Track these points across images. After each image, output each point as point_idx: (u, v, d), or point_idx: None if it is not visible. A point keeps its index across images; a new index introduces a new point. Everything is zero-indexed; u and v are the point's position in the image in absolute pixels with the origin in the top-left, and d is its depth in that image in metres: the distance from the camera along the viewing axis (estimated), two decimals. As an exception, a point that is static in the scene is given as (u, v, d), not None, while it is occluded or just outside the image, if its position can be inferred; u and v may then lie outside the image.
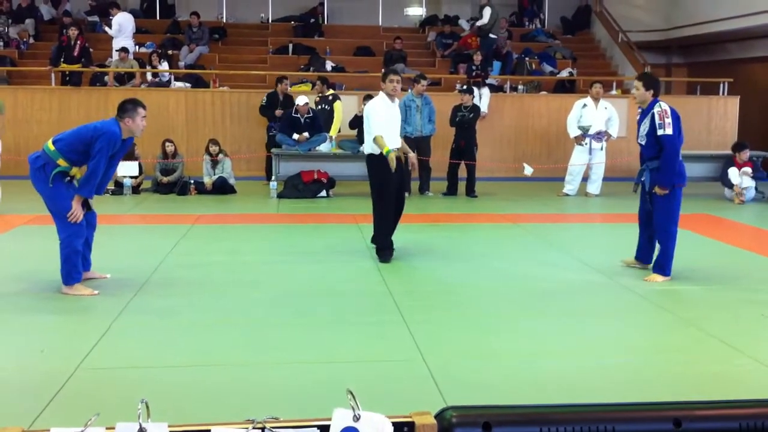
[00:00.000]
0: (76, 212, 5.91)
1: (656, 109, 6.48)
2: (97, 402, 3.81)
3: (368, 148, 7.36)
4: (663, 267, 6.63)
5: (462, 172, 12.14)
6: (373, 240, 7.52)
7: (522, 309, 5.79)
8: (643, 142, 6.61)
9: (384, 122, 7.24)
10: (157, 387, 4.07)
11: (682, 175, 6.57)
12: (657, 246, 6.76)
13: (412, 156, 7.69)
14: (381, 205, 7.40)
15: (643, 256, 7.02)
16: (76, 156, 5.86)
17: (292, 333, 5.09)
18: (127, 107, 5.92)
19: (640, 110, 6.80)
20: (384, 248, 7.36)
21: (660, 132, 6.42)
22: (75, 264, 5.99)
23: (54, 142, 5.88)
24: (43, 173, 5.86)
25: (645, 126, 6.56)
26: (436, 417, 1.68)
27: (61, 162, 5.84)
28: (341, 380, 4.14)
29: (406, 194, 11.72)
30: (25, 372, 4.27)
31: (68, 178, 5.93)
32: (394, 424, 1.63)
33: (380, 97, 7.42)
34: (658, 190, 6.53)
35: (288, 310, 5.66)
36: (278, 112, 12.89)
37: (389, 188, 7.30)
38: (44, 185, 5.89)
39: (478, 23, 15.59)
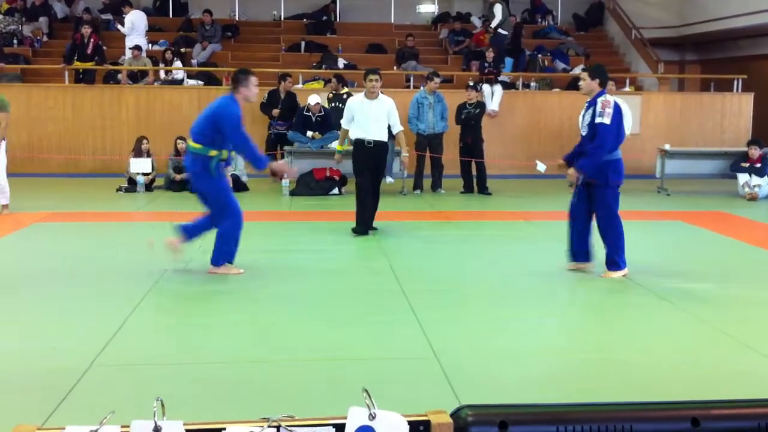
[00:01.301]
0: (292, 172, 7.14)
1: (599, 99, 6.37)
2: (112, 399, 3.82)
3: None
4: (616, 262, 6.54)
5: (473, 169, 12.12)
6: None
7: (536, 307, 5.78)
8: (584, 132, 6.51)
9: (350, 118, 8.41)
10: (172, 384, 4.08)
11: (619, 172, 6.47)
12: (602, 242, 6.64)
13: (405, 156, 8.97)
14: (357, 190, 8.46)
15: (578, 254, 6.78)
16: (213, 140, 6.31)
17: (305, 331, 5.09)
18: (240, 77, 6.45)
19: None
20: (358, 224, 8.37)
21: (598, 120, 6.29)
22: (231, 249, 6.53)
23: (194, 139, 6.34)
24: (204, 172, 6.32)
25: (588, 116, 6.45)
26: (451, 416, 1.67)
27: (212, 152, 6.28)
28: (355, 378, 4.14)
29: (418, 192, 11.81)
30: (40, 369, 4.29)
31: (224, 163, 6.44)
32: (409, 422, 1.62)
33: (359, 95, 8.57)
34: (570, 173, 6.49)
35: (301, 308, 5.66)
36: (275, 112, 12.91)
37: (361, 176, 8.38)
38: (207, 182, 6.37)
39: (493, 23, 15.54)
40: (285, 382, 4.19)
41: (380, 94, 8.42)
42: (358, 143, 8.38)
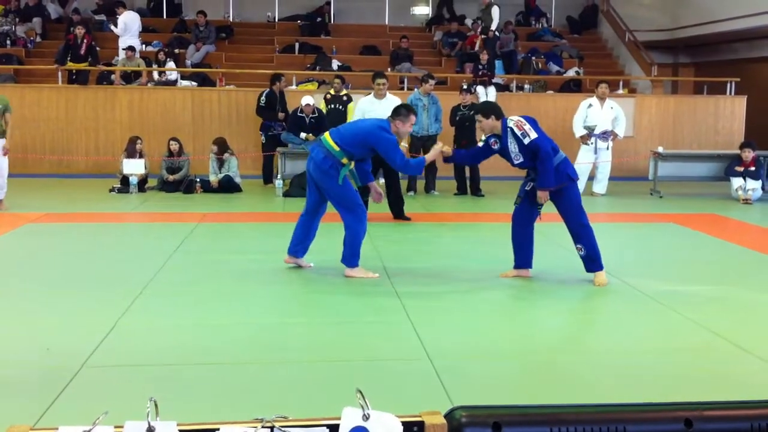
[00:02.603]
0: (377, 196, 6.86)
1: (509, 125, 6.28)
2: (104, 400, 3.81)
3: None
4: (594, 261, 6.40)
5: (467, 171, 12.13)
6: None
7: (529, 309, 5.78)
8: (518, 161, 6.39)
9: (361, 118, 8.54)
10: (164, 385, 4.07)
11: (572, 168, 6.47)
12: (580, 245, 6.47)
13: (404, 148, 9.31)
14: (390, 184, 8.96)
15: (522, 261, 6.69)
16: (358, 154, 6.51)
17: (297, 332, 5.09)
18: (401, 112, 6.61)
19: (495, 141, 6.49)
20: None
21: (526, 140, 6.20)
22: (358, 249, 6.59)
23: (337, 143, 6.42)
24: (333, 171, 6.43)
25: (512, 146, 6.32)
26: (445, 416, 1.67)
27: (345, 160, 6.43)
28: (347, 379, 4.14)
29: (412, 193, 11.82)
30: (32, 369, 4.27)
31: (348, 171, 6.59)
32: (403, 423, 1.62)
33: (368, 97, 9.12)
34: (540, 196, 6.37)
35: (293, 309, 5.66)
36: (281, 115, 12.79)
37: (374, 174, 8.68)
38: (333, 183, 6.46)
39: (492, 26, 15.56)
40: (278, 383, 4.18)
41: (387, 93, 8.71)
42: None
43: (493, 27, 15.53)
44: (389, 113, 8.42)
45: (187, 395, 3.93)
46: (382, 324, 5.29)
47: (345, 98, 12.75)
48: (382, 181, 12.10)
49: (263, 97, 12.84)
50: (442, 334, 5.03)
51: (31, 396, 3.88)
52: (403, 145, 9.05)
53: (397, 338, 4.96)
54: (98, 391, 4.01)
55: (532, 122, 6.33)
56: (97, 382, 4.14)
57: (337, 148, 6.41)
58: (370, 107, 8.90)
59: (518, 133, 6.24)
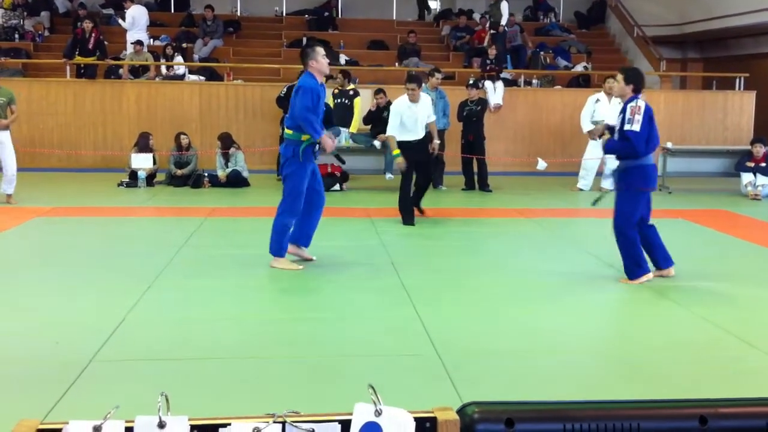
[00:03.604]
0: (326, 143, 6.56)
1: (630, 104, 6.16)
2: (114, 394, 3.81)
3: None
4: (627, 271, 6.31)
5: (475, 166, 12.10)
6: (399, 206, 9.02)
7: (537, 304, 5.76)
8: (611, 142, 6.33)
9: (398, 124, 8.90)
10: (174, 380, 4.07)
11: (650, 178, 6.25)
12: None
13: (436, 144, 9.56)
14: (402, 182, 8.97)
15: (655, 260, 6.51)
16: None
17: (306, 326, 5.09)
18: (305, 52, 6.56)
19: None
20: (405, 213, 8.92)
21: (627, 127, 6.09)
22: (282, 239, 6.61)
23: (288, 127, 6.55)
24: (294, 157, 6.48)
25: (617, 122, 6.28)
26: (458, 412, 1.66)
27: (304, 137, 6.44)
28: (357, 375, 4.14)
29: (442, 187, 11.78)
30: (41, 363, 4.28)
31: (315, 147, 6.55)
32: (415, 419, 1.61)
33: (402, 99, 9.03)
34: (597, 128, 6.34)
35: (303, 304, 5.65)
36: None
37: (408, 174, 8.91)
38: (290, 167, 6.53)
39: (503, 21, 15.50)
40: (288, 377, 4.18)
41: (421, 94, 9.06)
42: (405, 145, 8.84)
43: (503, 22, 15.47)
44: (426, 113, 9.08)
45: (198, 389, 3.93)
46: (391, 319, 5.28)
47: (351, 92, 12.73)
48: (389, 176, 12.12)
49: (284, 89, 12.83)
50: (451, 329, 5.02)
51: (41, 390, 3.89)
52: (399, 161, 8.91)
53: (406, 334, 4.95)
54: (108, 385, 4.01)
55: (648, 118, 6.09)
56: (107, 375, 4.14)
57: (289, 132, 6.52)
58: (407, 111, 8.92)
59: (627, 116, 6.12)
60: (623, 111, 6.23)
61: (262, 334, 4.90)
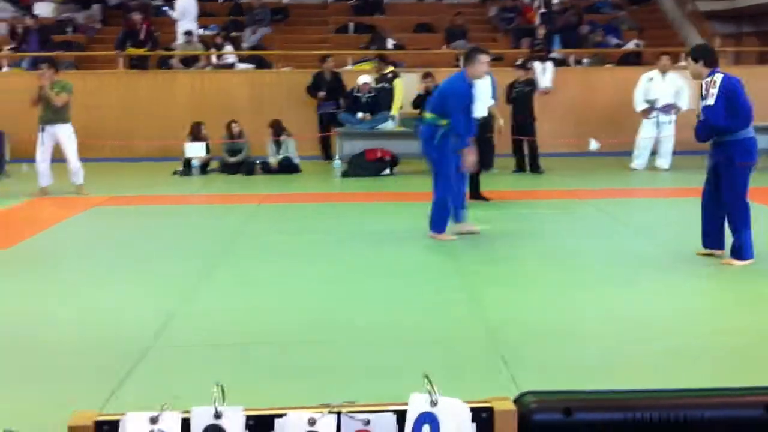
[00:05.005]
0: (468, 158, 7.01)
1: (704, 80, 5.97)
2: (169, 384, 3.86)
3: None
4: (738, 251, 6.04)
5: (525, 148, 11.97)
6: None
7: (594, 288, 5.67)
8: (701, 119, 6.11)
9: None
10: (230, 367, 4.11)
11: (747, 152, 6.00)
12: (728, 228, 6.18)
13: (500, 123, 9.95)
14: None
15: (711, 242, 6.31)
16: (442, 111, 6.91)
17: (361, 312, 5.09)
18: (469, 55, 7.09)
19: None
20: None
21: (702, 103, 5.94)
22: (444, 216, 7.02)
23: (426, 110, 7.09)
24: (431, 139, 6.94)
25: (701, 101, 6.09)
26: (515, 402, 1.64)
27: (442, 122, 6.87)
28: (413, 362, 4.10)
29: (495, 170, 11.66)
30: (98, 351, 4.35)
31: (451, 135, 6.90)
32: (471, 409, 1.59)
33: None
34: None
35: (356, 289, 5.65)
36: (321, 94, 12.96)
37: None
38: (433, 150, 7.00)
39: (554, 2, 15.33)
40: (343, 364, 4.18)
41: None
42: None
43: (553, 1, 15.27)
44: (487, 92, 9.09)
45: (254, 375, 3.96)
46: (444, 304, 5.26)
47: (390, 76, 12.71)
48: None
49: (311, 77, 13.07)
50: (508, 314, 4.98)
51: (98, 379, 3.95)
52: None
53: (460, 318, 4.92)
54: (165, 374, 4.06)
55: (727, 89, 5.86)
56: (165, 363, 4.20)
57: (431, 115, 6.97)
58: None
59: (703, 92, 5.98)
60: (703, 89, 6.03)
61: (315, 320, 4.91)
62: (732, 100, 5.89)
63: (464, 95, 6.90)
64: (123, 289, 5.65)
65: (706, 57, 6.07)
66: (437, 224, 7.05)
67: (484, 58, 6.91)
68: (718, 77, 5.94)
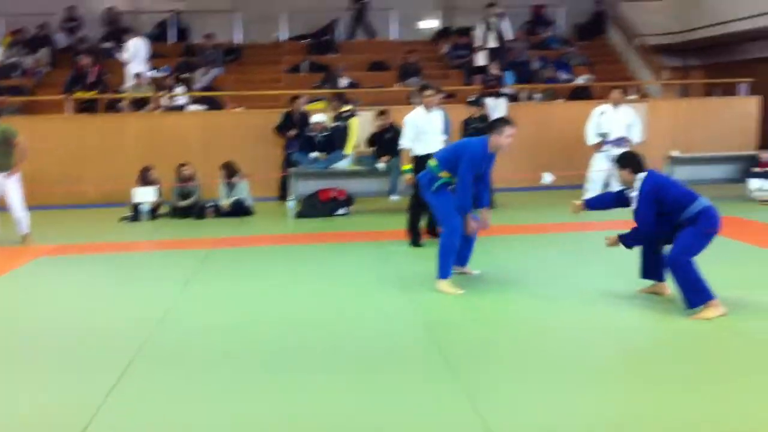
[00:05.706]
0: (471, 226, 6.80)
1: (634, 184, 6.01)
2: None
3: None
4: (691, 300, 5.78)
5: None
6: (408, 228, 8.95)
7: (591, 364, 4.94)
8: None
9: (413, 135, 8.87)
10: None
11: (710, 219, 5.88)
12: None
13: None
14: (414, 206, 8.82)
15: (650, 274, 6.38)
16: (450, 167, 6.72)
17: (320, 396, 4.40)
18: (495, 125, 6.76)
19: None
20: (413, 235, 8.86)
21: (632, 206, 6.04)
22: (448, 261, 6.72)
23: (436, 160, 6.90)
24: (429, 186, 6.84)
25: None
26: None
27: (444, 174, 6.73)
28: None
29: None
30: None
31: (450, 186, 6.78)
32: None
33: (418, 110, 9.00)
34: (610, 240, 6.23)
35: (312, 359, 5.29)
36: (291, 133, 12.91)
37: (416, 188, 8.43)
38: (429, 194, 6.88)
39: (507, 39, 15.46)
40: None
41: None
42: (419, 160, 8.51)
43: (508, 37, 15.42)
44: (441, 126, 9.04)
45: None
46: (418, 373, 4.75)
47: (346, 114, 12.70)
48: (394, 198, 12.01)
49: (281, 116, 13.06)
50: (509, 410, 4.18)
51: None
52: (408, 177, 8.85)
53: (448, 411, 4.17)
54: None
55: (653, 188, 5.87)
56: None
57: (434, 163, 6.86)
58: (424, 118, 8.94)
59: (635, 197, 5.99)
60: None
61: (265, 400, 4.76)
62: (660, 194, 5.87)
63: (480, 162, 6.65)
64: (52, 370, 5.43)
65: (632, 165, 6.03)
66: (440, 269, 6.71)
67: (509, 131, 6.60)
68: (639, 179, 5.95)
